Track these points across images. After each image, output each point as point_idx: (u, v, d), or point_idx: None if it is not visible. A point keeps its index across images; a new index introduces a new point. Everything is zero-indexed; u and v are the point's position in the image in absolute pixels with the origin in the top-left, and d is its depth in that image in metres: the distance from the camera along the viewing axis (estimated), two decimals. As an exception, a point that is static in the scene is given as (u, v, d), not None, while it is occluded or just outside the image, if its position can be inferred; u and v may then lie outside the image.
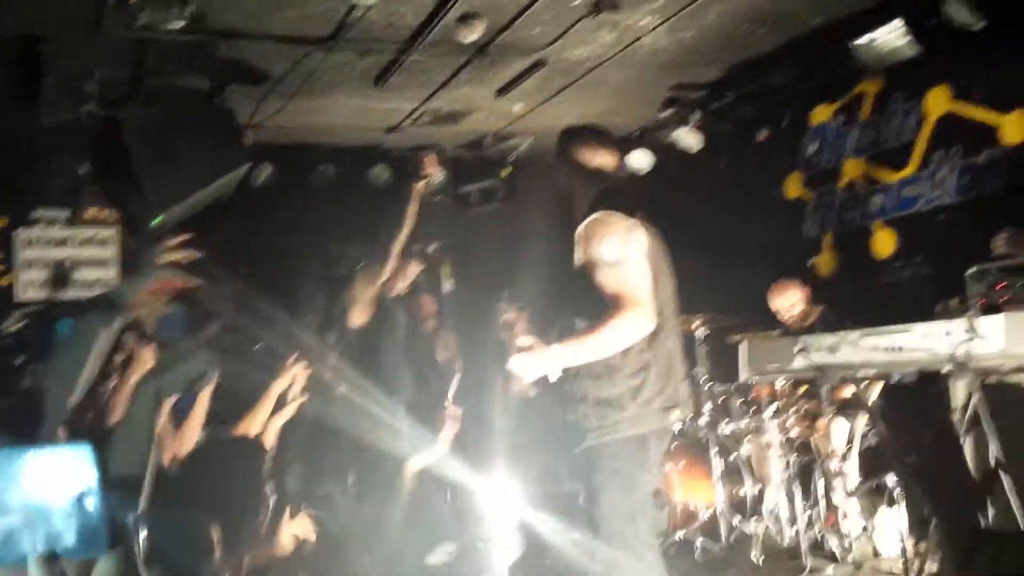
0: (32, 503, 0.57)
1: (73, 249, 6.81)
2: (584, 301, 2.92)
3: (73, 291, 6.66)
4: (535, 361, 2.85)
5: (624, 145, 7.48)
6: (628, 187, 3.36)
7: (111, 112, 5.79)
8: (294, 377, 4.16)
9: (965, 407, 3.63)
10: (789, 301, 5.60)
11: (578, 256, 2.96)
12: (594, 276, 2.89)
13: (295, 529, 4.01)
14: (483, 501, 5.27)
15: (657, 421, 2.97)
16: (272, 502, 4.14)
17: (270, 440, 4.36)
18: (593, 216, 2.96)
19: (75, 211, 6.81)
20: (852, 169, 6.25)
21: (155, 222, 5.99)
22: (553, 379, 2.90)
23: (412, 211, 4.79)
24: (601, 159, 3.16)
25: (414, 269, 5.48)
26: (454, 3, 4.76)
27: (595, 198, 3.05)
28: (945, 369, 3.29)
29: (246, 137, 6.59)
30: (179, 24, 4.59)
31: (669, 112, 6.84)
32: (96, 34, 4.87)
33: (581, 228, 2.96)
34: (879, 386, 4.71)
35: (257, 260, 7.76)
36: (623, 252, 2.89)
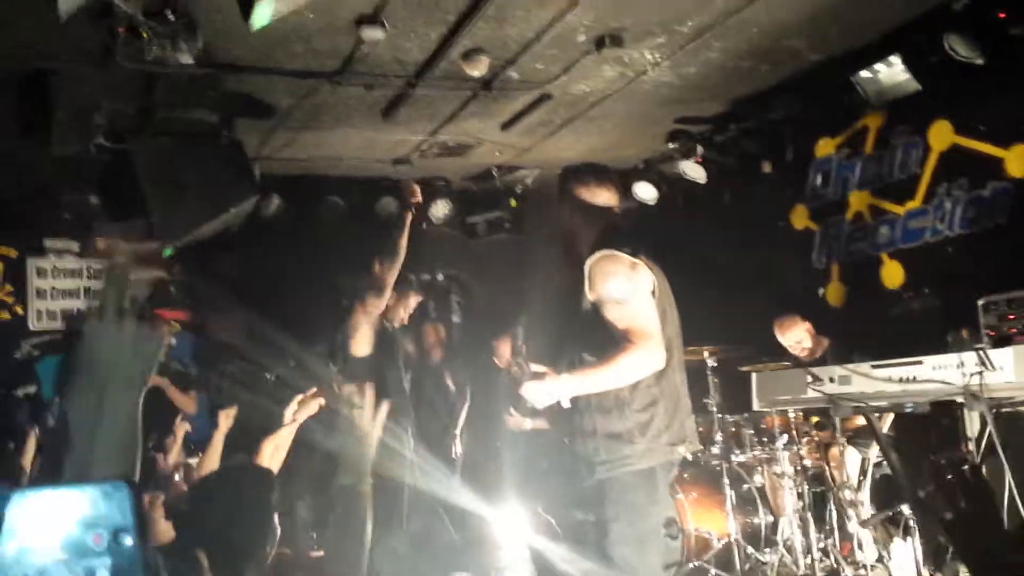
0: (69, 541, 0.57)
1: (85, 280, 6.85)
2: (591, 335, 2.97)
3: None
4: (547, 388, 2.87)
5: (627, 178, 7.53)
6: (631, 224, 3.44)
7: (120, 144, 5.83)
8: (308, 408, 4.16)
9: (979, 438, 3.62)
10: (795, 338, 5.63)
11: (587, 293, 3.02)
12: (603, 313, 2.97)
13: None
14: (496, 530, 5.25)
15: (665, 455, 3.04)
16: (279, 532, 4.12)
17: (276, 468, 4.35)
18: (598, 255, 3.04)
19: (85, 243, 6.85)
20: (858, 201, 6.27)
21: (165, 254, 6.02)
22: (565, 406, 2.95)
23: (403, 241, 4.80)
24: (602, 197, 3.25)
25: (414, 300, 5.47)
26: (459, 38, 4.81)
27: (599, 236, 3.15)
28: (959, 400, 3.28)
29: (254, 169, 6.64)
30: (188, 58, 4.63)
31: (673, 145, 6.88)
32: (105, 67, 4.91)
33: (588, 266, 3.03)
34: (890, 418, 4.71)
35: (265, 292, 7.79)
36: (629, 290, 2.98)
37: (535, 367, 2.81)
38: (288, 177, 7.15)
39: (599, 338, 2.95)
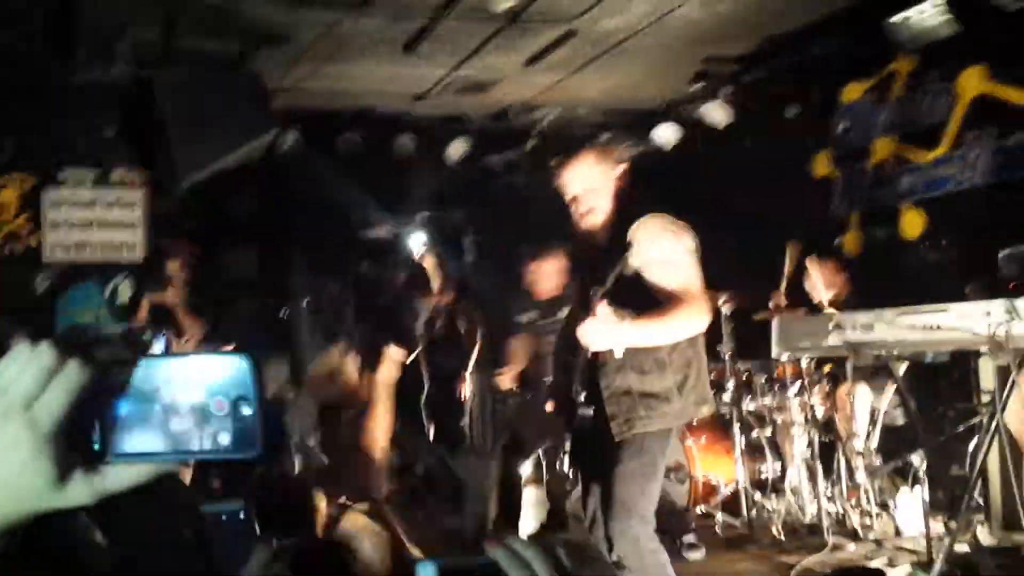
0: (194, 406, 0.60)
1: (99, 211, 6.83)
2: (628, 295, 2.98)
3: (99, 253, 6.69)
4: (607, 333, 2.88)
5: (648, 120, 7.46)
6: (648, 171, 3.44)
7: (142, 73, 5.78)
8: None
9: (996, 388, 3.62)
10: (819, 277, 5.60)
11: (631, 254, 3.05)
12: (648, 274, 3.02)
13: None
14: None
15: (693, 414, 3.27)
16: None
17: None
18: (645, 217, 3.10)
19: (102, 172, 6.82)
20: (882, 148, 6.19)
21: (183, 185, 6.00)
22: (617, 355, 3.00)
23: None
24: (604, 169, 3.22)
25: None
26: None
27: (622, 195, 3.20)
28: (983, 349, 3.28)
29: (274, 102, 6.58)
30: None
31: (699, 86, 6.79)
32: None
33: (633, 228, 3.08)
34: (903, 369, 4.71)
35: (280, 227, 7.80)
36: (678, 251, 3.08)
37: (601, 308, 2.82)
38: (306, 111, 7.09)
39: (637, 298, 2.99)
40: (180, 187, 6.06)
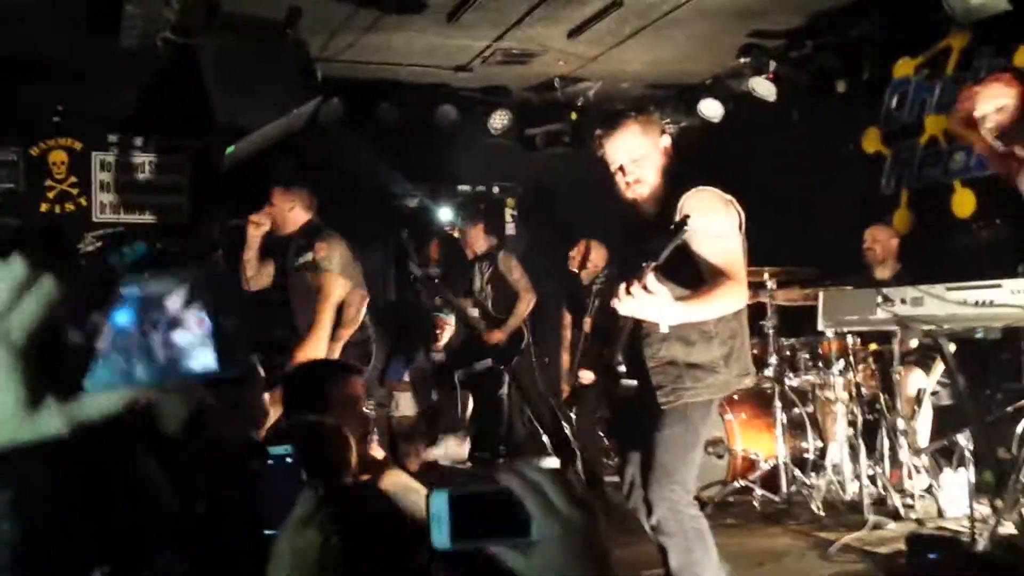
0: (175, 323, 0.59)
1: (147, 175, 6.96)
2: (672, 267, 2.95)
3: (146, 215, 6.83)
4: (656, 307, 2.85)
5: (693, 94, 7.36)
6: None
7: (187, 40, 5.81)
8: None
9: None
10: (873, 236, 5.55)
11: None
12: (694, 246, 2.98)
13: None
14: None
15: (736, 385, 3.27)
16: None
17: None
18: (695, 190, 3.06)
19: (148, 138, 6.92)
20: (933, 126, 6.06)
21: (227, 152, 6.04)
22: (663, 331, 3.00)
23: None
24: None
25: None
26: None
27: (670, 168, 3.17)
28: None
29: (317, 71, 6.59)
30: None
31: (744, 60, 6.67)
32: (177, -42, 4.87)
33: (682, 200, 3.04)
34: (951, 348, 4.63)
35: (322, 197, 7.82)
36: (727, 225, 3.06)
37: (651, 282, 2.79)
38: (348, 80, 7.09)
39: (682, 269, 2.97)
40: (225, 157, 6.11)
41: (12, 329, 0.65)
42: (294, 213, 4.82)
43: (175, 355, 0.66)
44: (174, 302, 0.66)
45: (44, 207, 7.24)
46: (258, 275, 4.95)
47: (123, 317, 0.67)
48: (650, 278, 2.72)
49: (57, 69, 5.97)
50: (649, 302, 2.82)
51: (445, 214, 7.73)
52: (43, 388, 0.66)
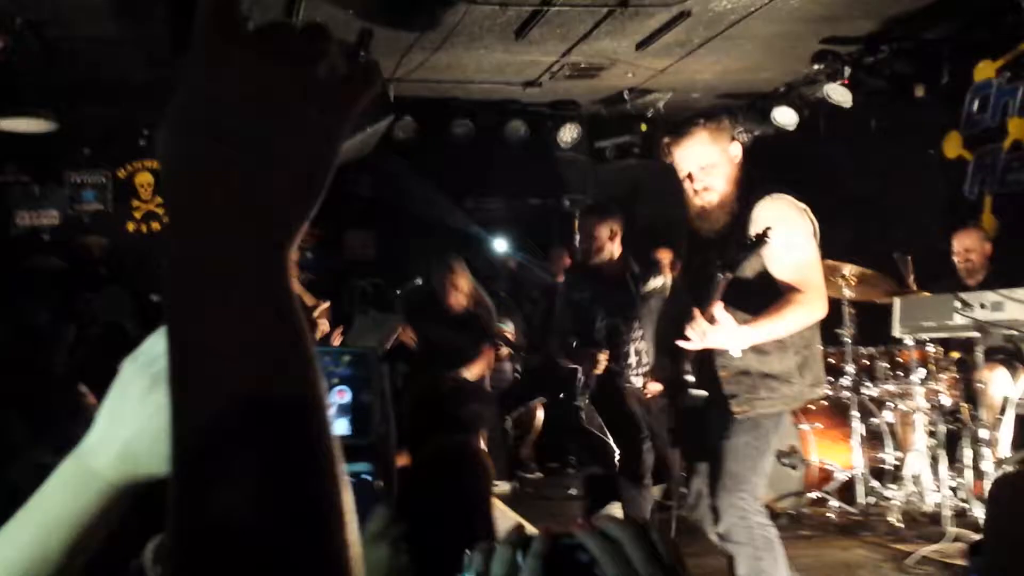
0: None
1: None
2: (746, 280, 2.92)
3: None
4: (724, 335, 2.84)
5: (766, 102, 7.28)
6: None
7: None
8: None
9: None
10: (964, 245, 5.39)
11: (753, 234, 2.96)
12: (770, 257, 2.95)
13: None
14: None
15: (809, 396, 3.20)
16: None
17: None
18: (768, 198, 3.02)
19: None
20: (1017, 129, 5.87)
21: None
22: (735, 355, 2.96)
23: None
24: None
25: None
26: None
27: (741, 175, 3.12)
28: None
29: (389, 90, 6.74)
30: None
31: (818, 67, 6.57)
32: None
33: (756, 210, 3.00)
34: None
35: (396, 212, 8.00)
36: (801, 235, 3.00)
37: (719, 311, 2.77)
38: (420, 99, 7.22)
39: (755, 282, 2.95)
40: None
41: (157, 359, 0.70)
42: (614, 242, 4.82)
43: None
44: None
45: (131, 227, 7.56)
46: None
47: None
48: (718, 308, 2.71)
49: (143, 93, 6.24)
50: (717, 333, 2.82)
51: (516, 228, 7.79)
52: None
